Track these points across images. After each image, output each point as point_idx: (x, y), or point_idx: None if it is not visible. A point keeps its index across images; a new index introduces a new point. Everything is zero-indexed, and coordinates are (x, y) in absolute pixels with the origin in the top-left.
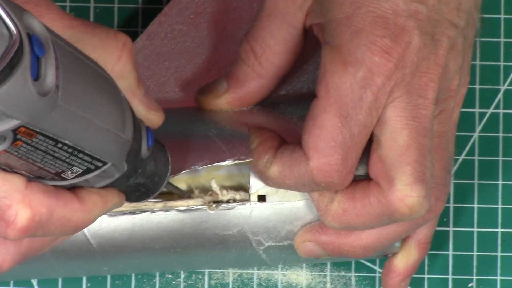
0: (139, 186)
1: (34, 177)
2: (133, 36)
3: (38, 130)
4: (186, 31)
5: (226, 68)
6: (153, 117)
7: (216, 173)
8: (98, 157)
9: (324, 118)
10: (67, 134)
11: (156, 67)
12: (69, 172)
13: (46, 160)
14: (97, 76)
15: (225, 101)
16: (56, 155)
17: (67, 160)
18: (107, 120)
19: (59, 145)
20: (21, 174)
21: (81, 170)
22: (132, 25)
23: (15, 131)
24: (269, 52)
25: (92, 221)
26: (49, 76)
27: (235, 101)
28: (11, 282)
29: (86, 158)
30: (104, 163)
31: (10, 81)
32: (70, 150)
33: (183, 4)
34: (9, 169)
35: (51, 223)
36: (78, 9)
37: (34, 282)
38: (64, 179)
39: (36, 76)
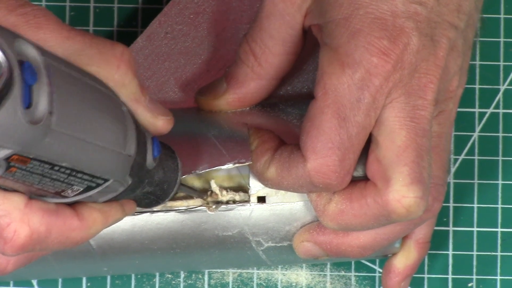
0: (148, 195)
1: (35, 196)
2: (133, 36)
3: (31, 156)
4: (186, 31)
5: (225, 69)
6: (161, 122)
7: (215, 174)
8: (98, 175)
9: (322, 119)
10: (64, 157)
11: (156, 67)
12: (69, 191)
13: (44, 182)
14: (96, 94)
15: (224, 101)
16: (54, 177)
17: (66, 180)
18: (107, 138)
19: (56, 168)
20: (22, 193)
21: (82, 189)
22: (132, 25)
23: (7, 159)
24: (268, 53)
25: (92, 237)
26: (42, 103)
27: (235, 101)
28: (11, 282)
29: (85, 177)
30: (106, 180)
31: None
32: (68, 171)
33: (183, 4)
34: (9, 189)
35: (49, 240)
36: (78, 9)
37: (34, 282)
38: (65, 197)
39: (28, 104)
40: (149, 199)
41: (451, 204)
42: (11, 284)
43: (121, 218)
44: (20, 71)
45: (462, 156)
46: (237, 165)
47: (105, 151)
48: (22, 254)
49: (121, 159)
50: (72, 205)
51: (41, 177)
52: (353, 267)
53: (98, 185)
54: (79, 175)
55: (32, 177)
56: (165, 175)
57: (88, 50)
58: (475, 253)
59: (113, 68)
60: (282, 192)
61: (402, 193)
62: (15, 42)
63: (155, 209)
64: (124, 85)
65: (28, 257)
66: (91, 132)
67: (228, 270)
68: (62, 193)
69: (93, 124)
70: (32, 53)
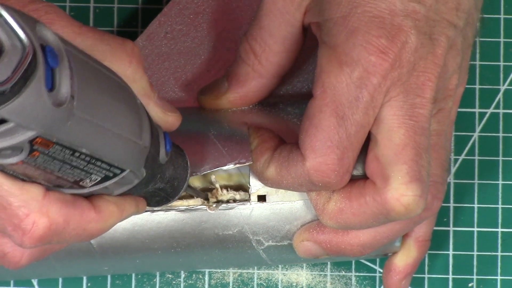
0: (159, 191)
1: (52, 186)
2: (133, 36)
3: (54, 140)
4: (185, 31)
5: (226, 68)
6: (170, 119)
7: (216, 173)
8: (116, 164)
9: (321, 118)
10: (84, 143)
11: (156, 67)
12: (88, 180)
13: (64, 169)
14: (112, 84)
15: (226, 100)
16: (74, 164)
17: (85, 168)
18: (124, 127)
19: (76, 154)
20: (40, 184)
21: (99, 178)
22: (132, 25)
23: (31, 142)
24: (269, 51)
25: (107, 229)
26: (64, 86)
27: (237, 100)
28: (11, 282)
29: (104, 165)
30: (123, 170)
31: (25, 93)
32: (87, 158)
33: (183, 4)
34: (28, 179)
35: (66, 232)
36: (78, 9)
37: (35, 282)
38: (82, 187)
39: (51, 86)
40: (159, 197)
41: (452, 204)
42: (11, 284)
43: (135, 213)
44: (42, 53)
45: (462, 156)
46: (237, 165)
47: (123, 139)
48: (39, 246)
49: (137, 149)
50: (88, 197)
51: (62, 164)
52: (353, 267)
53: (115, 175)
54: (98, 163)
55: (53, 163)
56: (175, 172)
57: (99, 46)
58: (475, 253)
59: (125, 64)
60: (282, 191)
61: (401, 192)
62: (36, 26)
63: (155, 208)
64: (135, 80)
65: (42, 251)
66: (109, 119)
67: (228, 270)
68: (81, 183)
69: (111, 112)
70: (52, 38)
